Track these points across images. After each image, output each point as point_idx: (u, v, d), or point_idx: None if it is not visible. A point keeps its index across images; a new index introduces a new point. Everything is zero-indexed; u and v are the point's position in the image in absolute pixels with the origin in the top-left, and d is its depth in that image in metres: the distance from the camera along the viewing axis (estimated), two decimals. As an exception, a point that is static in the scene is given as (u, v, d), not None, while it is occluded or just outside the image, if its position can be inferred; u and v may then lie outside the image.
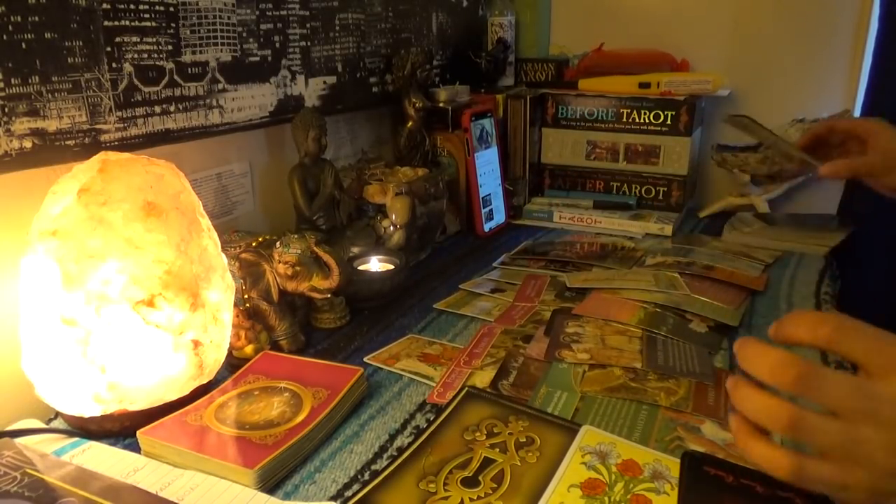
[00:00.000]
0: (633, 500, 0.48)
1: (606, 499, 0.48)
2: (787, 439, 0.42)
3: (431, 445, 0.55)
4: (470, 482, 0.50)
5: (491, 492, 0.49)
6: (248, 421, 0.57)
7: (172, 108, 0.75)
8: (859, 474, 0.38)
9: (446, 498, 0.49)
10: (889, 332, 0.40)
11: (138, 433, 0.56)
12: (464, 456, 0.53)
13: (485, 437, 0.56)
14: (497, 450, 0.54)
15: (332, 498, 0.51)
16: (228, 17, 0.80)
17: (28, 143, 0.61)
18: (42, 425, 0.60)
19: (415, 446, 0.55)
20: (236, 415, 0.58)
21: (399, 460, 0.53)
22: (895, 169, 0.77)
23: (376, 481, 0.51)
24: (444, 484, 0.50)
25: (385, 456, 0.56)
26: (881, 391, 0.38)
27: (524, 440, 0.55)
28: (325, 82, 0.98)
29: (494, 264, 1.00)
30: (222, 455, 0.53)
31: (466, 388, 0.63)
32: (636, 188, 1.24)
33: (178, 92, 0.75)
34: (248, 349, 0.70)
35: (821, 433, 0.39)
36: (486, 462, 0.52)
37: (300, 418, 0.57)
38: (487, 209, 1.16)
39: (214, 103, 0.80)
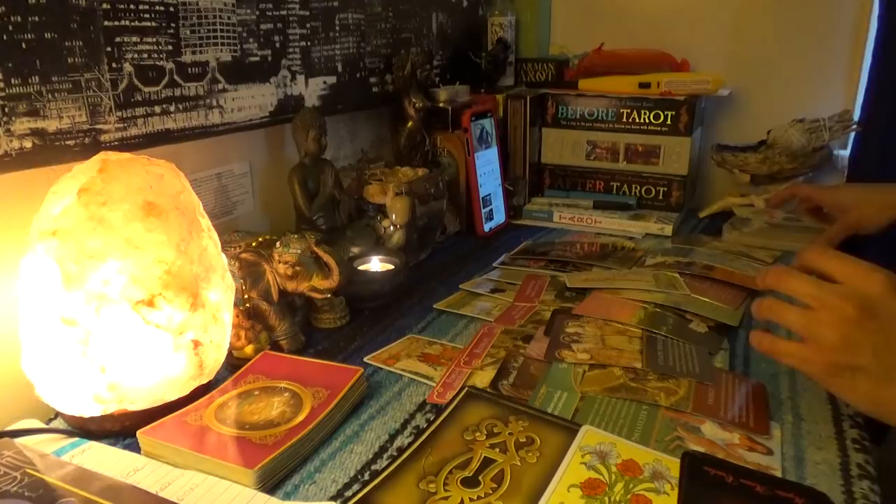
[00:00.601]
0: (633, 500, 0.48)
1: (606, 499, 0.48)
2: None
3: (431, 445, 0.55)
4: (470, 482, 0.50)
5: (491, 492, 0.49)
6: (248, 421, 0.57)
7: (172, 108, 0.75)
8: (814, 349, 0.51)
9: (446, 498, 0.49)
10: (856, 259, 0.53)
11: (138, 433, 0.56)
12: (464, 456, 0.53)
13: (485, 437, 0.56)
14: (497, 450, 0.54)
15: (332, 498, 0.51)
16: (228, 17, 0.80)
17: (28, 143, 0.61)
18: (42, 425, 0.60)
19: (415, 446, 0.55)
20: (236, 415, 0.58)
21: (399, 460, 0.53)
22: (864, 217, 0.88)
23: (376, 481, 0.51)
24: (444, 484, 0.50)
25: (385, 456, 0.56)
26: (832, 288, 0.51)
27: (524, 440, 0.55)
28: (325, 82, 0.98)
29: (494, 264, 1.00)
30: (222, 455, 0.53)
31: (466, 388, 0.63)
32: (636, 188, 1.24)
33: (178, 92, 0.75)
34: (248, 349, 0.70)
35: (788, 315, 0.53)
36: (486, 462, 0.52)
37: (300, 418, 0.57)
38: (487, 209, 1.16)
39: (214, 103, 0.80)
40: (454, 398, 0.61)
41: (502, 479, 0.51)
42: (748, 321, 0.79)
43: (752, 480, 0.49)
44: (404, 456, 0.54)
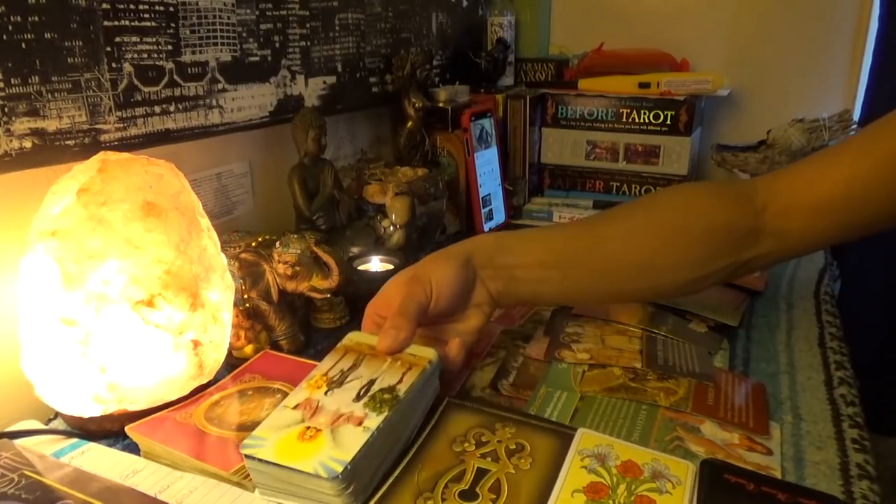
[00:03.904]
0: (637, 502, 0.47)
1: (611, 502, 0.47)
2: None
3: (422, 460, 0.53)
4: (468, 495, 0.49)
5: (491, 503, 0.48)
6: (235, 421, 0.57)
7: (172, 108, 0.75)
8: None
9: (446, 511, 0.48)
10: None
11: (126, 428, 0.56)
12: (456, 468, 0.52)
13: (474, 446, 0.54)
14: (489, 459, 0.52)
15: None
16: (228, 17, 0.80)
17: (28, 143, 0.61)
18: (41, 426, 0.60)
19: (403, 463, 0.52)
20: (226, 414, 0.58)
21: (391, 478, 0.51)
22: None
23: (372, 502, 0.49)
24: (443, 499, 0.49)
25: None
26: None
27: (514, 447, 0.54)
28: (324, 82, 0.98)
29: (494, 264, 1.00)
30: (199, 455, 0.53)
31: (447, 399, 0.60)
32: (636, 188, 1.24)
33: (177, 92, 0.75)
34: (248, 349, 0.70)
35: None
36: (481, 472, 0.51)
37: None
38: (487, 209, 1.16)
39: (214, 103, 0.80)
40: (436, 411, 0.58)
41: (500, 488, 0.49)
42: (748, 321, 0.79)
43: (773, 488, 0.48)
44: (396, 473, 0.51)
